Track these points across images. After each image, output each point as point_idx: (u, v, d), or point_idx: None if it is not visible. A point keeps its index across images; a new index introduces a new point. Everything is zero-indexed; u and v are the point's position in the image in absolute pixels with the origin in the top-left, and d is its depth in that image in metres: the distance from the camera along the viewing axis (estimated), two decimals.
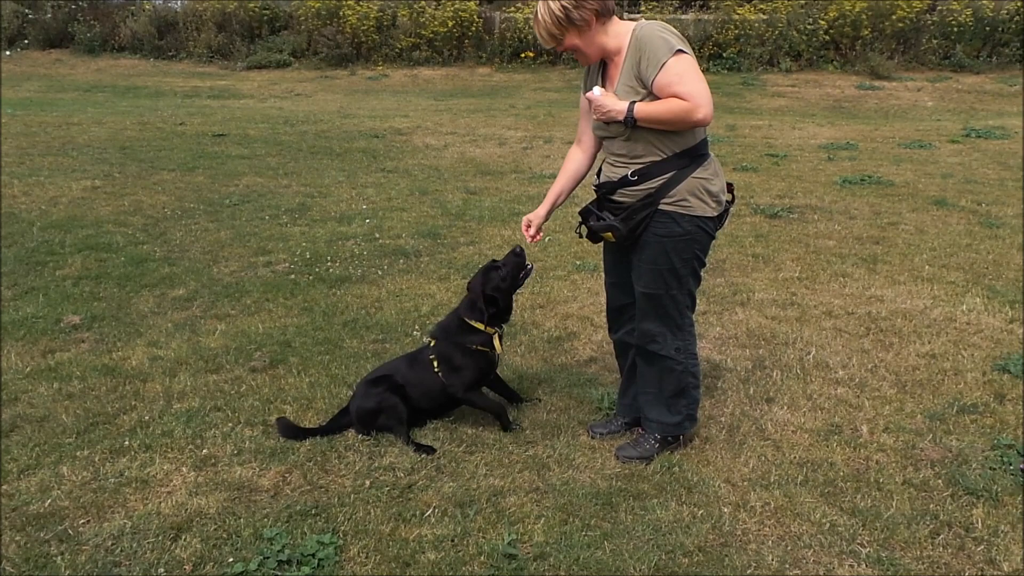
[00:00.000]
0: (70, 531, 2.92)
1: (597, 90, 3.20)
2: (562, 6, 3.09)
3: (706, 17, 20.10)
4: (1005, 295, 5.38)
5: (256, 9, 20.52)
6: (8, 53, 20.47)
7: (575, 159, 3.54)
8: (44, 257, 6.19)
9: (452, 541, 2.89)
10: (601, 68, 3.32)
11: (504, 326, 3.75)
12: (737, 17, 19.32)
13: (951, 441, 3.60)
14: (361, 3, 19.96)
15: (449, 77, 19.49)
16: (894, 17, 18.68)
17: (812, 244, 6.62)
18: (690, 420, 3.55)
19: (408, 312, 5.15)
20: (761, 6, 19.57)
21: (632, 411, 3.66)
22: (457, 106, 15.23)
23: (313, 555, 2.75)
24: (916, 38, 19.22)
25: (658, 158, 3.19)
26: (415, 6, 20.00)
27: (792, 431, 3.69)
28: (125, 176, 8.89)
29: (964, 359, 4.43)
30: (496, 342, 3.65)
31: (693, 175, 3.20)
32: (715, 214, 3.28)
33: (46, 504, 3.08)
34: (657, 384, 3.48)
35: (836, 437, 3.64)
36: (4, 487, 3.20)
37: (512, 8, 20.67)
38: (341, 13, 19.78)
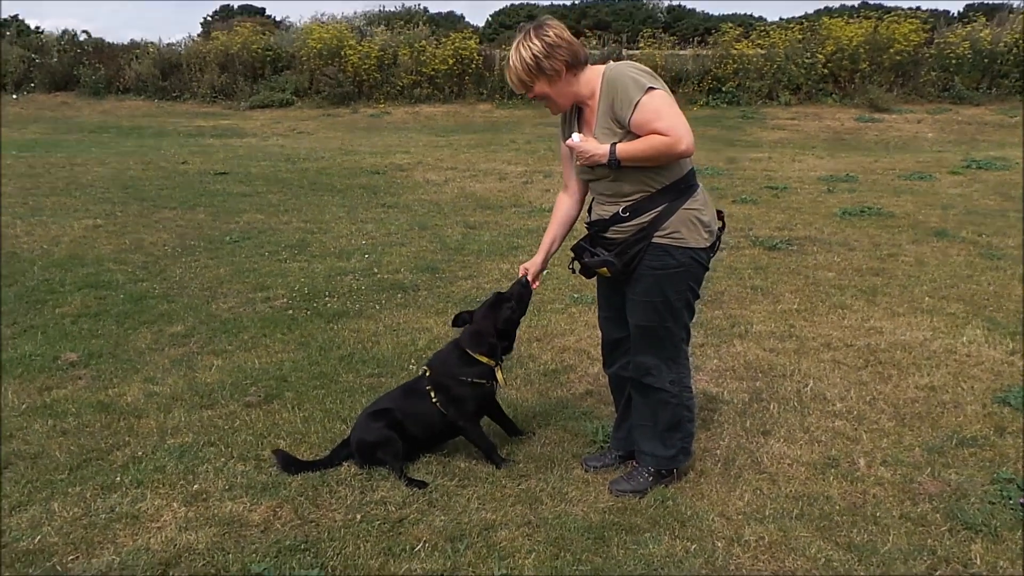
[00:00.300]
0: (59, 567, 2.90)
1: (576, 136, 3.22)
2: (532, 55, 3.11)
3: (705, 52, 20.35)
4: (1006, 327, 5.36)
5: (259, 50, 20.83)
6: (15, 96, 20.78)
7: (564, 205, 3.57)
8: (44, 295, 6.22)
9: None
10: (577, 113, 3.34)
11: (505, 358, 3.74)
12: (735, 52, 19.57)
13: (950, 475, 3.56)
14: (362, 43, 20.26)
15: (450, 113, 19.71)
16: (892, 50, 18.90)
17: (811, 276, 6.61)
18: (684, 454, 3.52)
19: (405, 346, 5.15)
20: (759, 41, 19.81)
21: (626, 445, 3.64)
22: (458, 142, 15.37)
23: None
24: (915, 70, 19.42)
25: (647, 193, 3.20)
26: (416, 45, 20.30)
27: (788, 464, 3.66)
28: (127, 215, 8.97)
29: (964, 391, 4.39)
30: (499, 374, 3.64)
31: (684, 207, 3.21)
32: (707, 244, 3.29)
33: (36, 540, 3.05)
34: (652, 417, 3.46)
35: (833, 470, 3.60)
36: None
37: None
38: (343, 52, 20.10)
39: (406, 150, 14.16)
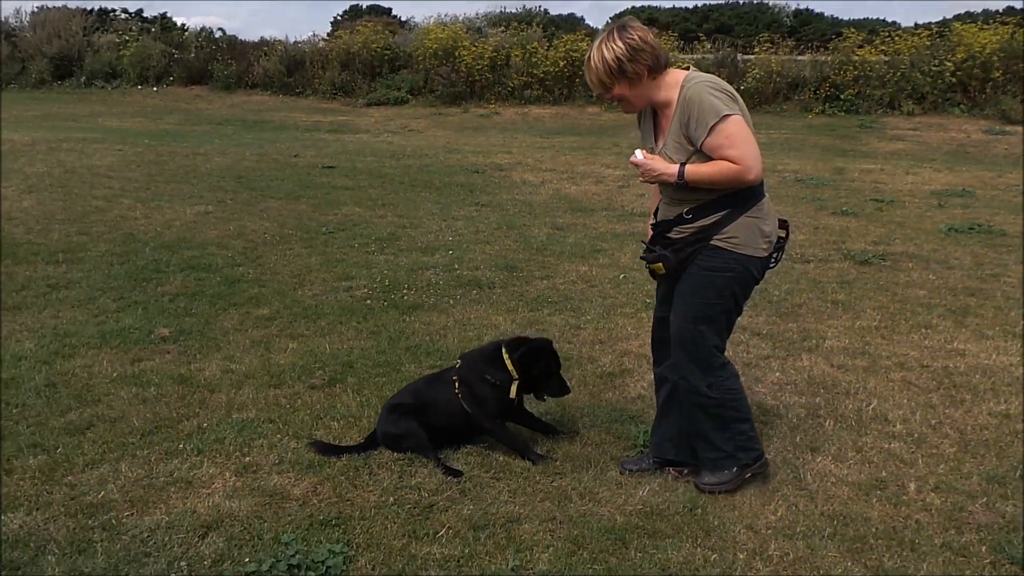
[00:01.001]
0: (114, 521, 3.17)
1: (638, 153, 3.27)
2: (616, 57, 3.15)
3: (823, 59, 19.63)
4: None
5: (378, 49, 21.55)
6: (155, 89, 22.28)
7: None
8: (150, 274, 6.70)
9: (458, 561, 2.96)
10: (652, 114, 3.37)
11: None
12: (856, 58, 18.80)
13: (1006, 507, 3.38)
14: (476, 44, 20.64)
15: (559, 116, 19.81)
16: None
17: (900, 293, 6.35)
18: (743, 451, 3.47)
19: (470, 340, 5.28)
20: (883, 47, 18.95)
21: (660, 451, 3.64)
22: (561, 143, 15.45)
23: (323, 562, 2.87)
24: None
25: (713, 197, 3.22)
26: (528, 47, 20.50)
27: (832, 483, 3.56)
28: (236, 203, 9.51)
29: None
30: (513, 388, 3.70)
31: (747, 214, 3.22)
32: (764, 255, 3.28)
33: (99, 496, 3.35)
34: (694, 420, 3.47)
35: (878, 493, 3.49)
36: (69, 478, 3.50)
37: None
38: (457, 53, 20.52)
39: (508, 150, 14.35)
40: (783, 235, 3.37)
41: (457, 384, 3.74)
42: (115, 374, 4.71)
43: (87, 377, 4.62)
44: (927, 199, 10.35)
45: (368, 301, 6.12)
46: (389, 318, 5.74)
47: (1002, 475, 3.63)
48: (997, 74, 17.82)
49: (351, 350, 5.12)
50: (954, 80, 18.14)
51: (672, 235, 3.32)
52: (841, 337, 5.34)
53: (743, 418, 3.48)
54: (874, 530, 3.21)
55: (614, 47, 3.15)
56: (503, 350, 3.77)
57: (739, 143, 3.08)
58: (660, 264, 3.34)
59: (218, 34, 24.10)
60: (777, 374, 4.74)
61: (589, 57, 3.25)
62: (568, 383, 3.93)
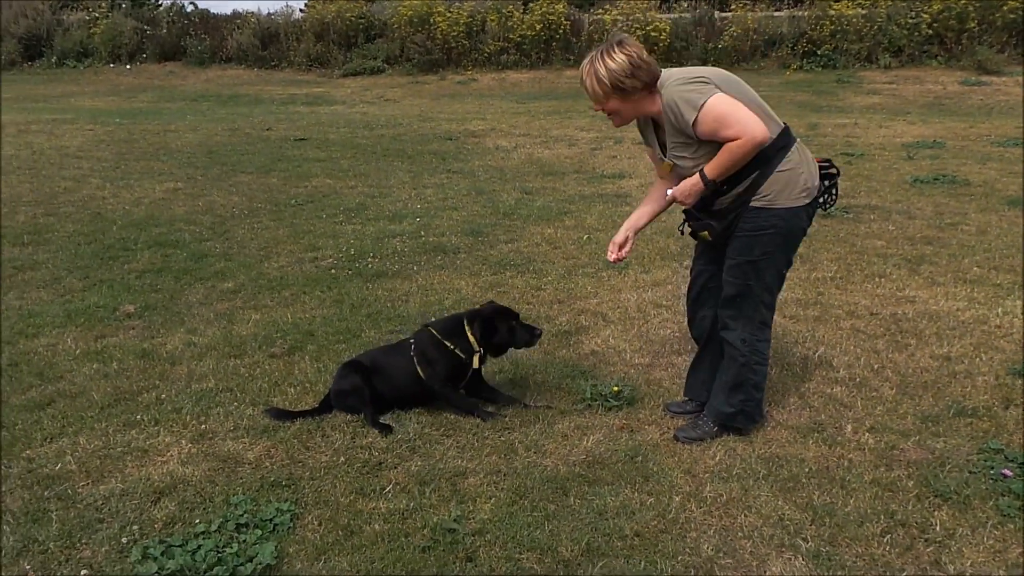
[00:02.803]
0: (69, 491, 3.26)
1: (668, 192, 3.44)
2: (614, 74, 3.21)
3: (801, 13, 19.53)
4: None
5: (352, 18, 21.32)
6: (128, 67, 22.03)
7: (658, 191, 3.61)
8: (118, 253, 6.73)
9: (402, 515, 3.06)
10: (651, 122, 3.46)
11: (488, 356, 3.90)
12: (833, 12, 18.70)
13: (936, 443, 3.50)
14: (451, 9, 20.44)
15: (536, 80, 19.70)
16: (1005, 8, 17.65)
17: (858, 244, 6.44)
18: (745, 416, 3.58)
19: (431, 305, 5.36)
20: (860, 0, 18.85)
21: (696, 394, 3.81)
22: (537, 108, 15.42)
23: (270, 520, 2.97)
24: None
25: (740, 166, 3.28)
26: (504, 10, 20.33)
27: (771, 427, 3.67)
28: (206, 179, 9.51)
29: (980, 363, 4.26)
30: (475, 360, 3.79)
31: (778, 169, 3.27)
32: (806, 202, 3.33)
33: (56, 468, 3.43)
34: (723, 370, 3.58)
35: (816, 435, 3.60)
36: (27, 452, 3.58)
37: (600, 10, 20.70)
38: (432, 20, 20.32)
39: (483, 117, 14.31)
40: (834, 172, 3.42)
41: (413, 347, 3.82)
42: (78, 351, 4.77)
43: (50, 355, 4.68)
44: (897, 151, 10.41)
45: (333, 271, 6.18)
46: (353, 286, 5.80)
47: (936, 414, 3.75)
48: (972, 24, 17.79)
49: (312, 319, 5.19)
50: (930, 32, 18.10)
51: (715, 207, 3.39)
52: (796, 289, 5.43)
53: (758, 385, 3.56)
54: (807, 470, 3.32)
55: (611, 61, 3.21)
56: (464, 322, 3.84)
57: (729, 120, 3.13)
58: (707, 232, 3.41)
59: (190, 8, 23.74)
60: None
61: (583, 69, 3.30)
62: (536, 326, 3.96)
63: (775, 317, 4.87)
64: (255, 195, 8.69)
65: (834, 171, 3.43)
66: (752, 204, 3.28)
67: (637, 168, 9.75)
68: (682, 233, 3.62)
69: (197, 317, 5.30)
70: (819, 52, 18.76)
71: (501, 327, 3.83)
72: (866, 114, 14.08)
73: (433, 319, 4.24)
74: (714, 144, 3.22)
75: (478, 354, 3.81)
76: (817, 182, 3.36)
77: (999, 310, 4.94)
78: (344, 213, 7.90)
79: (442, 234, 7.09)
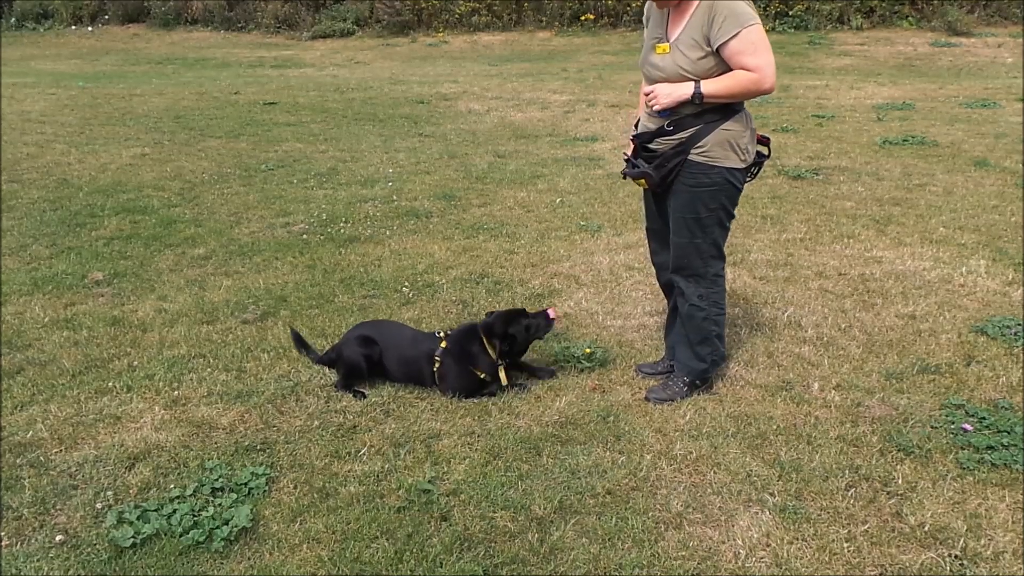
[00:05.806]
0: (42, 458, 3.24)
1: (649, 88, 3.35)
2: None
3: None
4: (1014, 257, 5.22)
5: None
6: (90, 29, 21.48)
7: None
8: (85, 219, 6.63)
9: (377, 476, 3.09)
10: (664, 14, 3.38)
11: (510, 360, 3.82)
12: None
13: (900, 400, 3.59)
14: None
15: (508, 42, 19.51)
16: None
17: (828, 206, 6.51)
18: (714, 364, 3.69)
19: (404, 269, 5.35)
20: None
21: (671, 354, 3.84)
22: (509, 71, 15.29)
23: (245, 484, 2.99)
24: None
25: (694, 111, 3.30)
26: None
27: (740, 386, 3.74)
28: (174, 144, 9.36)
29: (944, 321, 4.35)
30: (501, 373, 3.72)
31: (722, 127, 3.30)
32: (743, 166, 3.38)
33: (28, 435, 3.41)
34: (684, 328, 3.64)
35: (784, 393, 3.67)
36: None
37: None
38: None
39: (455, 80, 14.17)
40: (765, 152, 3.47)
41: (439, 365, 3.70)
42: (47, 319, 4.71)
43: (18, 324, 4.62)
44: (867, 113, 10.48)
45: (305, 236, 6.14)
46: (325, 251, 5.78)
47: (901, 371, 3.83)
48: None
49: (285, 284, 5.16)
50: None
51: (653, 146, 3.41)
52: (766, 250, 5.49)
53: (720, 334, 3.65)
54: (775, 427, 3.39)
55: None
56: (484, 340, 3.74)
57: (761, 51, 3.14)
58: (643, 180, 3.45)
59: None
60: None
61: None
62: (547, 314, 3.86)
63: (747, 279, 4.98)
64: (224, 160, 8.57)
65: (766, 152, 3.47)
66: (692, 158, 3.31)
67: (610, 131, 9.74)
68: (624, 177, 3.66)
69: (168, 284, 5.26)
70: (791, 13, 18.74)
71: (519, 335, 3.74)
72: (837, 76, 14.12)
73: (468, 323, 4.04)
74: (716, 67, 3.21)
75: (502, 366, 3.72)
76: (754, 153, 3.41)
77: (963, 269, 5.04)
78: (315, 178, 7.83)
79: (415, 198, 7.06)
